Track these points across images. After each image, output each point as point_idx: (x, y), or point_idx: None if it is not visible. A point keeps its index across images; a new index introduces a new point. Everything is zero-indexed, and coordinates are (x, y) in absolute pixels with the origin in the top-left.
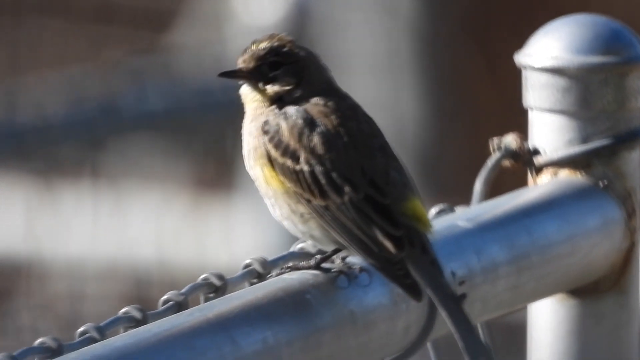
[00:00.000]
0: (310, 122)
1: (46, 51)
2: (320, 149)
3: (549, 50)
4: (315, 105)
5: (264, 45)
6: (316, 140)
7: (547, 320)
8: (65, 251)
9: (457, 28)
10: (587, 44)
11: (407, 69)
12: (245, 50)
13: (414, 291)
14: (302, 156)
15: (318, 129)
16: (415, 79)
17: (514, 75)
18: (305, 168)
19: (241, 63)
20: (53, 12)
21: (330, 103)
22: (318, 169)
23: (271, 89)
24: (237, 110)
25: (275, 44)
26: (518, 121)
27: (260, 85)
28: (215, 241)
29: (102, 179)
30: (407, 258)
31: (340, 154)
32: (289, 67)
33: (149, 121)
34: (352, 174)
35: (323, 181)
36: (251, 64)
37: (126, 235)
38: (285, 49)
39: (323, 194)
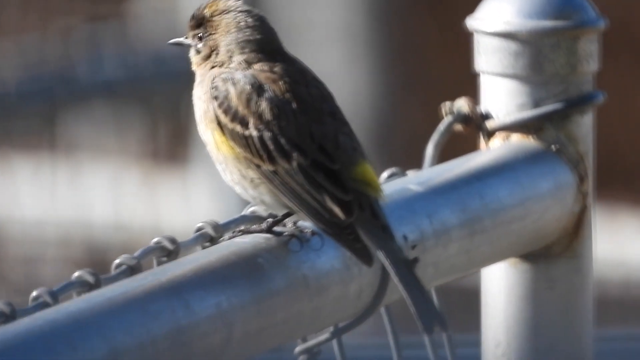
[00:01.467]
0: (258, 88)
1: (3, 21)
2: (268, 115)
3: (500, 15)
4: (263, 70)
5: (202, 10)
6: (264, 105)
7: (500, 285)
8: (21, 218)
9: None
10: (539, 8)
11: (362, 39)
12: (191, 17)
13: (364, 256)
14: (251, 122)
15: (266, 95)
16: (369, 49)
17: (468, 44)
18: (254, 133)
19: (187, 29)
20: None
21: (278, 68)
22: (266, 134)
23: (196, 56)
24: (191, 79)
25: (205, 11)
26: (472, 89)
27: (193, 53)
28: (172, 208)
29: (59, 146)
30: (357, 222)
31: (289, 120)
32: (208, 37)
33: (105, 89)
34: (300, 140)
35: (271, 147)
36: (190, 34)
37: (83, 202)
38: (207, 15)
39: (272, 159)
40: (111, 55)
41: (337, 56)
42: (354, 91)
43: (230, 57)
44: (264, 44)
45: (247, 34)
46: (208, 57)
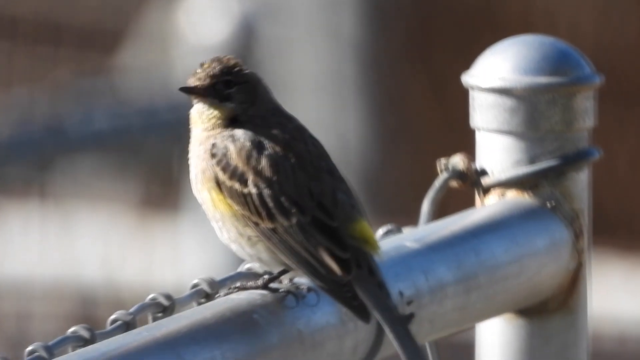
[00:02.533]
0: (258, 145)
1: None
2: (268, 172)
3: (496, 71)
4: (263, 127)
5: (215, 65)
6: (264, 162)
7: (495, 340)
8: (12, 271)
9: (401, 48)
10: (534, 64)
11: (351, 89)
12: (195, 72)
13: (362, 313)
14: (250, 179)
15: (266, 152)
16: (358, 99)
17: (458, 95)
18: (254, 191)
19: (195, 81)
20: None
21: (277, 125)
22: (266, 192)
23: (229, 106)
24: (183, 131)
25: (227, 63)
26: (462, 141)
27: (217, 102)
28: (162, 260)
29: (49, 198)
30: (355, 280)
31: (288, 177)
32: (242, 86)
33: (95, 141)
34: (300, 197)
35: (271, 204)
36: (206, 82)
37: (73, 255)
38: (236, 69)
39: (271, 217)
40: (101, 108)
41: (326, 104)
42: (343, 139)
43: (253, 115)
44: (269, 103)
45: (266, 95)
46: (234, 115)
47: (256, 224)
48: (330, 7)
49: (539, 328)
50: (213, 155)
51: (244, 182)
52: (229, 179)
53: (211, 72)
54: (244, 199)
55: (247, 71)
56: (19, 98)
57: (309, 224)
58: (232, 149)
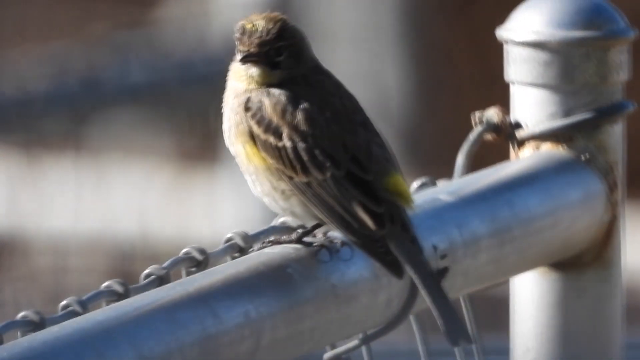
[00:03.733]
0: (293, 99)
1: (31, 26)
2: (303, 126)
3: (530, 25)
4: (301, 84)
5: (263, 25)
6: (299, 116)
7: (529, 294)
8: (48, 225)
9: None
10: (569, 18)
11: (390, 41)
12: (243, 30)
13: (395, 268)
14: (285, 132)
15: (301, 106)
16: (397, 51)
17: (497, 48)
18: (288, 144)
19: (249, 46)
20: None
21: (314, 80)
22: (301, 145)
23: (277, 73)
24: (219, 84)
25: (279, 25)
26: (501, 94)
27: (268, 70)
28: (198, 215)
29: (85, 152)
30: (389, 235)
31: (323, 131)
32: (290, 50)
33: (131, 95)
34: (334, 151)
35: (305, 158)
36: (263, 48)
37: (109, 209)
38: (287, 32)
39: (305, 171)
40: (138, 61)
41: (365, 56)
42: (382, 91)
43: (304, 74)
44: (310, 61)
45: (308, 53)
46: (284, 73)
47: (290, 178)
48: None
49: (573, 281)
50: (247, 109)
51: (278, 135)
52: (264, 132)
53: (265, 38)
54: (278, 153)
55: (295, 32)
56: (56, 51)
57: (343, 177)
58: (267, 103)
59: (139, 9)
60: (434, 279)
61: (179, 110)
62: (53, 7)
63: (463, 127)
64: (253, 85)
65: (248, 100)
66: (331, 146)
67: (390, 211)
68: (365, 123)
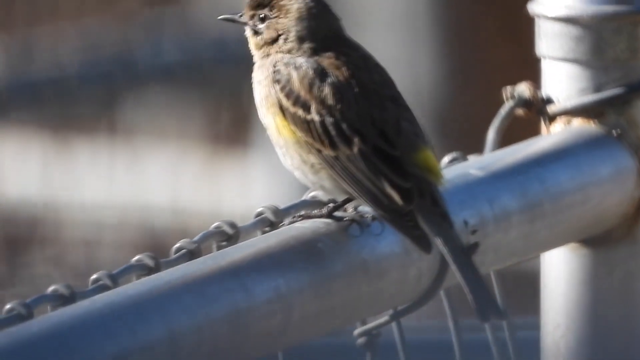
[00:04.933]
0: (321, 73)
1: (64, 4)
2: (330, 100)
3: None
4: (327, 56)
5: None
6: (327, 90)
7: (559, 270)
8: (80, 202)
9: None
10: None
11: (423, 25)
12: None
13: (423, 243)
14: (313, 106)
15: (329, 80)
16: (431, 35)
17: (529, 29)
18: (316, 118)
19: (245, 10)
20: None
21: (341, 54)
22: (328, 119)
23: (255, 38)
24: (252, 63)
25: None
26: (532, 74)
27: (251, 34)
28: (231, 193)
29: (119, 130)
30: (417, 209)
31: (351, 105)
32: (274, 20)
33: (165, 73)
34: (362, 125)
35: (333, 132)
36: (248, 13)
37: (142, 187)
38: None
39: (333, 145)
40: (171, 39)
41: (397, 41)
42: (415, 74)
43: (301, 44)
44: (331, 31)
45: (317, 22)
46: (273, 41)
47: (319, 151)
48: None
49: (603, 257)
50: (276, 82)
51: (307, 109)
52: (292, 105)
53: (251, 3)
54: (307, 126)
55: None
56: (89, 30)
57: (371, 152)
58: (294, 77)
59: None
60: (464, 253)
61: (212, 89)
62: None
63: (495, 108)
64: (256, 54)
65: (277, 72)
66: (359, 121)
67: (420, 186)
68: (395, 98)
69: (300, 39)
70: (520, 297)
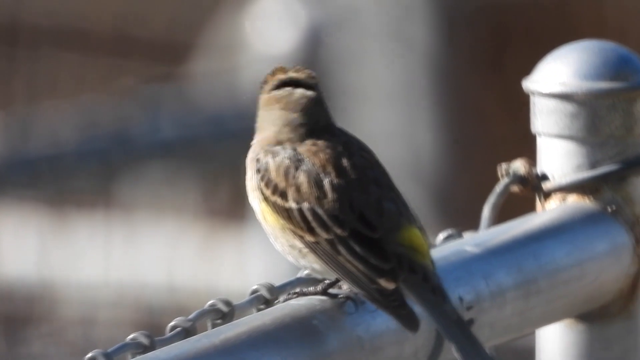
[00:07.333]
0: (296, 161)
1: (63, 82)
2: (305, 187)
3: (556, 76)
4: (306, 143)
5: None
6: (302, 178)
7: (555, 345)
8: (77, 280)
9: (473, 57)
10: (595, 69)
11: (422, 99)
12: (263, 81)
13: (409, 322)
14: (290, 194)
15: (303, 167)
16: (430, 109)
17: (528, 104)
18: (294, 206)
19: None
20: (70, 44)
21: (320, 141)
22: (305, 206)
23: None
24: (250, 139)
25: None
26: (534, 150)
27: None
28: (228, 270)
29: (115, 207)
30: (406, 286)
31: (326, 191)
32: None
33: (162, 150)
34: (339, 210)
35: (310, 218)
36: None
37: (138, 264)
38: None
39: (312, 231)
40: (168, 116)
41: (397, 114)
42: (414, 149)
43: (286, 134)
44: (318, 124)
45: (305, 114)
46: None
47: (301, 237)
48: (401, 17)
49: (599, 333)
50: (257, 171)
51: (284, 197)
52: (272, 194)
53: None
54: (287, 214)
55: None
56: (87, 106)
57: (349, 236)
58: (271, 165)
59: (170, 66)
60: (460, 325)
61: (209, 166)
62: (84, 62)
63: (495, 183)
64: (260, 137)
65: (257, 161)
66: (336, 206)
67: (410, 263)
68: (377, 179)
69: (286, 129)
70: None
